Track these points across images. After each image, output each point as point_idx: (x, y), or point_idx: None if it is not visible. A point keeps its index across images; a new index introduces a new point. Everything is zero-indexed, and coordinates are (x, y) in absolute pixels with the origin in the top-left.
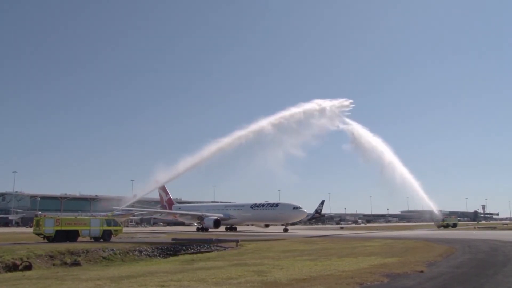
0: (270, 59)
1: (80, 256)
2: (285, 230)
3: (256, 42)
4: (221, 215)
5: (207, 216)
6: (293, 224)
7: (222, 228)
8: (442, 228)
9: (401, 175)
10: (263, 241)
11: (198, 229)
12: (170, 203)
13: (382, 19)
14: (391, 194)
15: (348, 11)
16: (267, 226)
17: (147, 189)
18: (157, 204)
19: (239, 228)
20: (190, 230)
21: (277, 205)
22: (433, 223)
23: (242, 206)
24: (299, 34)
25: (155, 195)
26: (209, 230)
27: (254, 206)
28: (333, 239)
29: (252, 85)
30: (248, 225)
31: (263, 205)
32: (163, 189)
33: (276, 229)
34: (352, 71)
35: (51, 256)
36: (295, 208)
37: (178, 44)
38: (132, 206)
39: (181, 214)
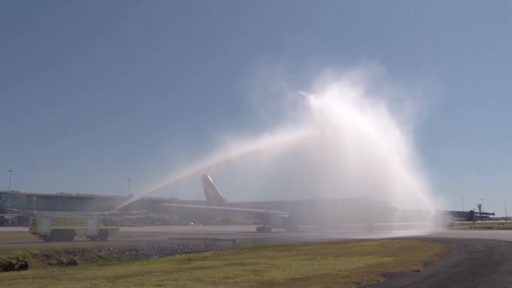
0: None
1: (76, 255)
2: (370, 230)
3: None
4: (288, 213)
5: (274, 214)
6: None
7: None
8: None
9: (398, 174)
10: (261, 241)
11: (258, 229)
12: (218, 200)
13: None
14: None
15: None
16: None
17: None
18: (202, 203)
19: (303, 228)
20: (189, 231)
21: (358, 200)
22: (429, 223)
23: (312, 202)
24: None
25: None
26: (273, 230)
27: (330, 202)
28: (330, 238)
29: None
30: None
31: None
32: (209, 184)
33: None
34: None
35: (47, 256)
36: (383, 203)
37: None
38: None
39: (241, 213)
